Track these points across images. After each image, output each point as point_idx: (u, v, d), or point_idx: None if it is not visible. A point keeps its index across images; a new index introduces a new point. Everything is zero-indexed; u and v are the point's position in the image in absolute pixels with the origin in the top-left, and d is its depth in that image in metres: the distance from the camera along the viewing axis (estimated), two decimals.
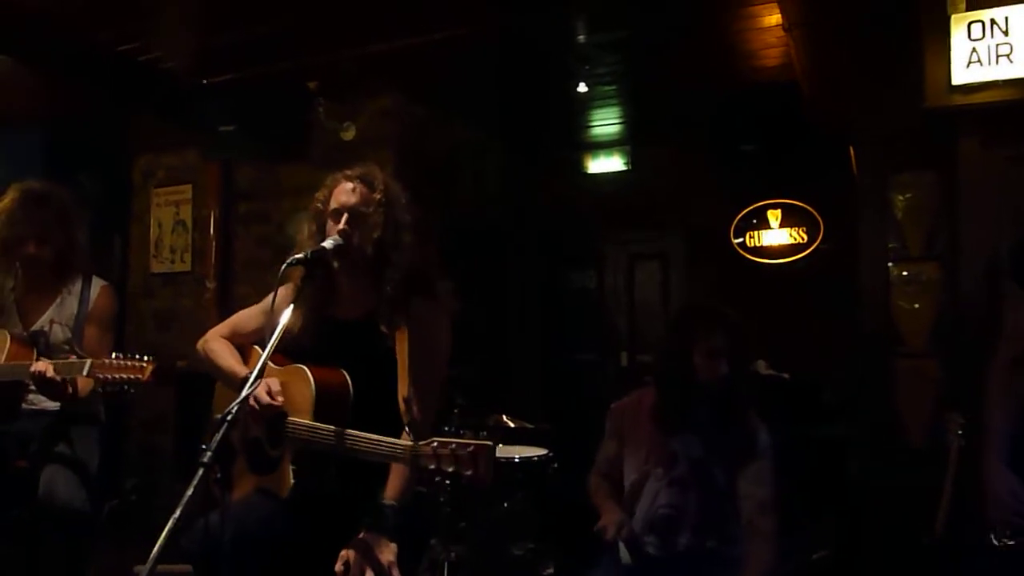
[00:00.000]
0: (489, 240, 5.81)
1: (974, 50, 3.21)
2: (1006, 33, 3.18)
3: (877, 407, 3.58)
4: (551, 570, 3.76)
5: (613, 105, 5.37)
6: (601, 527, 2.31)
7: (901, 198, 3.60)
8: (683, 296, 6.06)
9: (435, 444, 1.63)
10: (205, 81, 4.75)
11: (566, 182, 6.37)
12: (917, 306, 3.54)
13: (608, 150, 6.24)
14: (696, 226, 5.97)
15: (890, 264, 3.59)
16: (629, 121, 5.73)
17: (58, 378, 2.47)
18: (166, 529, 1.41)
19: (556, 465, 3.99)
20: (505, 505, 3.85)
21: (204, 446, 1.51)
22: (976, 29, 3.22)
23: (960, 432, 2.94)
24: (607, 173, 6.27)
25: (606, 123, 5.76)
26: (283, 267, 1.91)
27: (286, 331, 1.85)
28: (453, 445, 1.60)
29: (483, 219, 5.74)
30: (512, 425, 4.11)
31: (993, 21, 3.20)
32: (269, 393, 1.94)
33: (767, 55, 4.38)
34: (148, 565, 1.36)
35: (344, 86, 4.72)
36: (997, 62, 3.18)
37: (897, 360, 3.58)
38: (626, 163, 6.21)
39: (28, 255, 2.74)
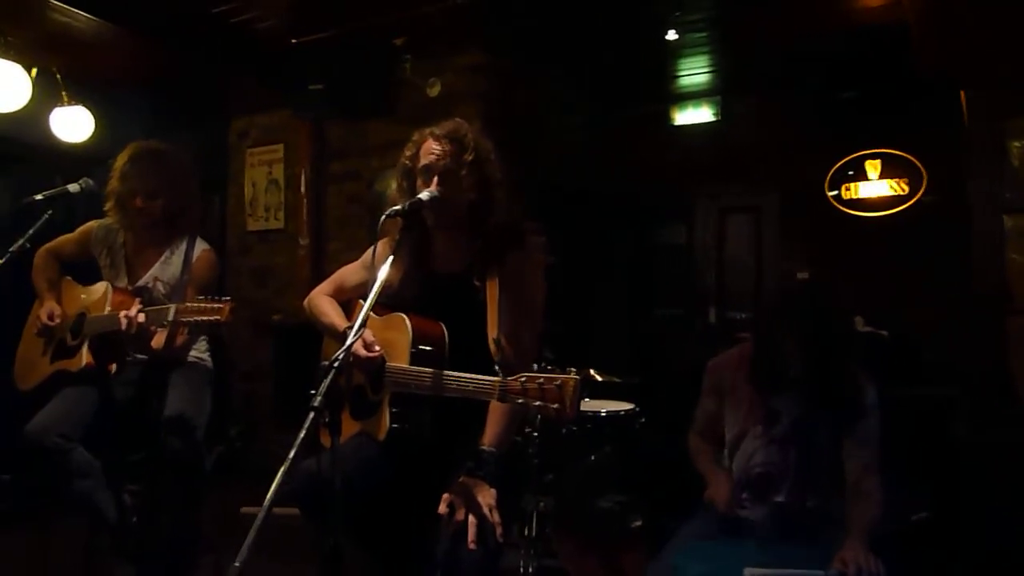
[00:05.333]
0: (577, 194, 5.76)
1: None
2: None
3: (986, 366, 3.41)
4: (639, 523, 3.78)
5: (703, 53, 5.18)
6: (710, 499, 2.29)
7: (1017, 144, 3.36)
8: (776, 252, 5.89)
9: (523, 379, 1.67)
10: (295, 40, 4.83)
11: (654, 134, 6.23)
12: None
13: (697, 101, 6.06)
14: (790, 178, 5.75)
15: (1004, 216, 3.38)
16: (720, 69, 5.52)
17: (142, 320, 2.52)
18: (280, 472, 1.46)
19: (643, 420, 3.99)
20: (592, 458, 3.88)
21: (313, 392, 1.57)
22: None
23: None
24: (696, 125, 6.10)
25: (695, 72, 5.56)
26: (381, 219, 1.93)
27: (387, 285, 1.89)
28: (541, 379, 1.64)
29: (570, 173, 5.69)
30: (600, 379, 4.12)
31: None
32: (366, 346, 2.00)
33: None
34: (264, 507, 1.42)
35: (430, 42, 4.72)
36: None
37: (1009, 317, 3.39)
38: (715, 114, 6.02)
39: (136, 208, 2.82)
